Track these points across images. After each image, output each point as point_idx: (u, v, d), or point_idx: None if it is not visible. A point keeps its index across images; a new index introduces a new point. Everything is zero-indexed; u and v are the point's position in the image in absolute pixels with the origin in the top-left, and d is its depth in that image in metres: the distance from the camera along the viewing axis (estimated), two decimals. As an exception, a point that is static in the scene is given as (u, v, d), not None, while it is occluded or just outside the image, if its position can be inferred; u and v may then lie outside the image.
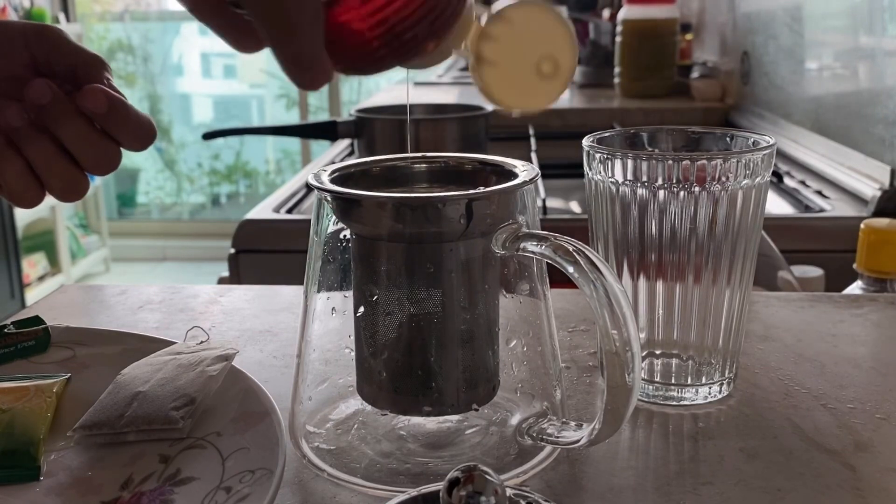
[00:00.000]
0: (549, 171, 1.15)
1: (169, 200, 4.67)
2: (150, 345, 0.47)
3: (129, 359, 0.46)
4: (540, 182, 0.93)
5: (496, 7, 0.36)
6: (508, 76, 0.37)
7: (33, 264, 3.51)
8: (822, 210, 1.06)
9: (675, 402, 0.47)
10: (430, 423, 0.42)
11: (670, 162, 0.42)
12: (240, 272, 1.05)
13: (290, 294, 0.65)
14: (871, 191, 1.04)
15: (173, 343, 0.48)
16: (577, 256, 0.35)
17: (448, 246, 0.38)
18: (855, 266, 0.69)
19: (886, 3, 1.04)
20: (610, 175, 0.44)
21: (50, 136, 0.41)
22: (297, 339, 0.43)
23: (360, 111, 1.20)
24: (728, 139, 0.48)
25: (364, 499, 0.39)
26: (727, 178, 0.43)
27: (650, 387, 0.47)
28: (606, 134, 0.48)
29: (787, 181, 1.20)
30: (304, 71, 0.33)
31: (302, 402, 0.43)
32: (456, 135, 1.14)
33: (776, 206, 1.13)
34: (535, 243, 0.37)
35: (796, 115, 1.36)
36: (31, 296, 3.29)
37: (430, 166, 0.43)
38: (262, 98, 4.73)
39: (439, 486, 0.28)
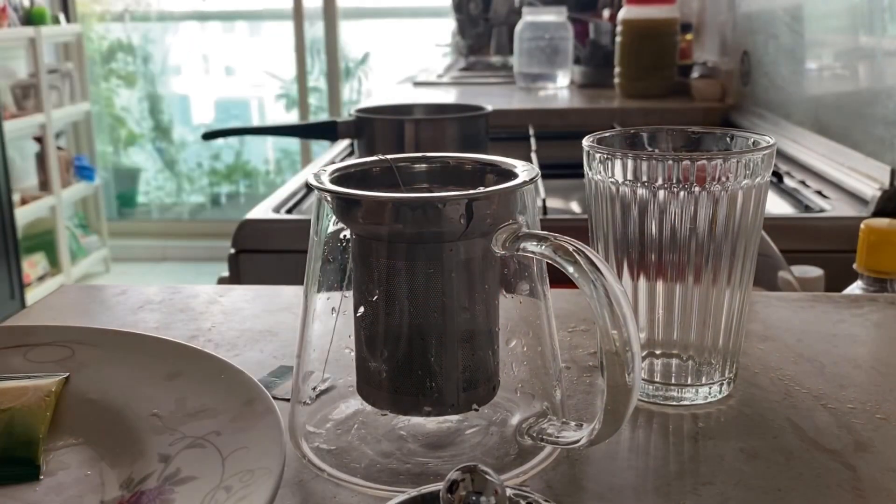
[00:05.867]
0: (549, 171, 1.15)
1: (169, 200, 4.67)
2: (150, 344, 0.47)
3: (129, 359, 0.46)
4: (540, 182, 0.93)
5: None
6: None
7: (33, 264, 3.51)
8: (822, 210, 1.06)
9: (675, 402, 0.47)
10: (430, 423, 0.42)
11: (670, 162, 0.42)
12: (240, 272, 1.05)
13: (290, 294, 0.65)
14: (871, 191, 1.04)
15: (173, 342, 0.48)
16: (577, 256, 0.35)
17: (448, 246, 0.38)
18: (855, 266, 0.69)
19: (886, 3, 1.04)
20: (610, 175, 0.44)
21: None
22: (297, 339, 0.43)
23: (360, 111, 1.20)
24: (728, 139, 0.48)
25: (364, 499, 0.39)
26: (727, 178, 0.43)
27: (650, 387, 0.47)
28: (606, 134, 0.48)
29: (787, 181, 1.20)
30: None
31: (302, 402, 0.43)
32: (456, 135, 1.14)
33: (776, 206, 1.13)
34: (535, 243, 0.37)
35: (796, 115, 1.36)
36: (31, 296, 3.29)
37: (430, 166, 0.43)
38: (262, 98, 4.73)
39: (439, 486, 0.28)
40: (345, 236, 0.41)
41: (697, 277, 0.44)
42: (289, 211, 1.14)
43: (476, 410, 0.41)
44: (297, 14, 4.17)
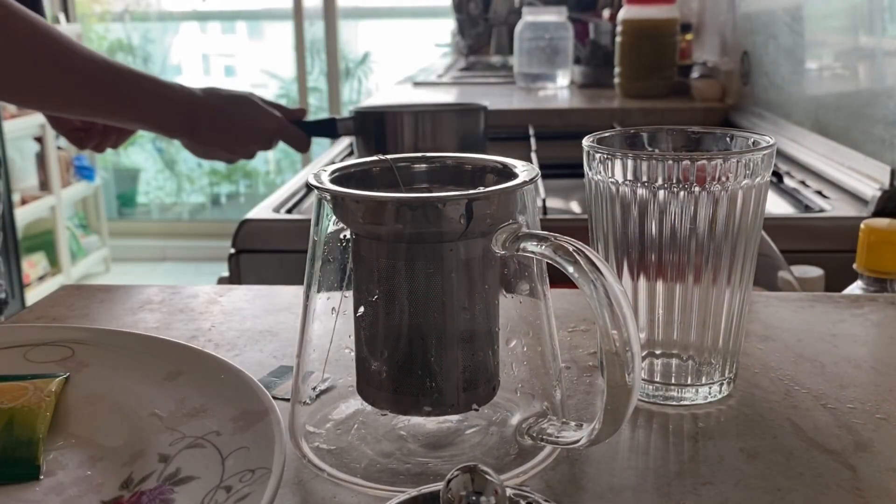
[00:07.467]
0: (549, 171, 1.15)
1: (169, 200, 4.67)
2: (150, 344, 0.47)
3: (129, 359, 0.46)
4: (540, 182, 0.93)
5: None
6: None
7: (33, 264, 3.51)
8: (822, 210, 1.05)
9: (675, 402, 0.47)
10: (430, 423, 0.42)
11: (670, 162, 0.42)
12: (240, 272, 1.05)
13: (290, 294, 0.65)
14: (871, 191, 1.04)
15: (173, 342, 0.48)
16: (577, 256, 0.35)
17: (448, 246, 0.38)
18: (855, 266, 0.69)
19: (886, 3, 1.04)
20: (610, 175, 0.44)
21: None
22: (296, 339, 0.43)
23: (359, 110, 1.20)
24: (728, 139, 0.48)
25: (364, 499, 0.39)
26: (727, 178, 0.43)
27: (650, 387, 0.47)
28: (606, 134, 0.48)
29: (787, 181, 1.20)
30: None
31: (302, 402, 0.43)
32: (454, 130, 1.14)
33: (776, 206, 1.13)
34: (535, 243, 0.37)
35: (796, 115, 1.36)
36: (31, 296, 3.29)
37: (430, 166, 0.43)
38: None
39: (439, 486, 0.28)
40: (345, 236, 0.41)
41: (697, 277, 0.44)
42: (289, 211, 1.14)
43: (476, 410, 0.41)
44: (297, 14, 4.17)
